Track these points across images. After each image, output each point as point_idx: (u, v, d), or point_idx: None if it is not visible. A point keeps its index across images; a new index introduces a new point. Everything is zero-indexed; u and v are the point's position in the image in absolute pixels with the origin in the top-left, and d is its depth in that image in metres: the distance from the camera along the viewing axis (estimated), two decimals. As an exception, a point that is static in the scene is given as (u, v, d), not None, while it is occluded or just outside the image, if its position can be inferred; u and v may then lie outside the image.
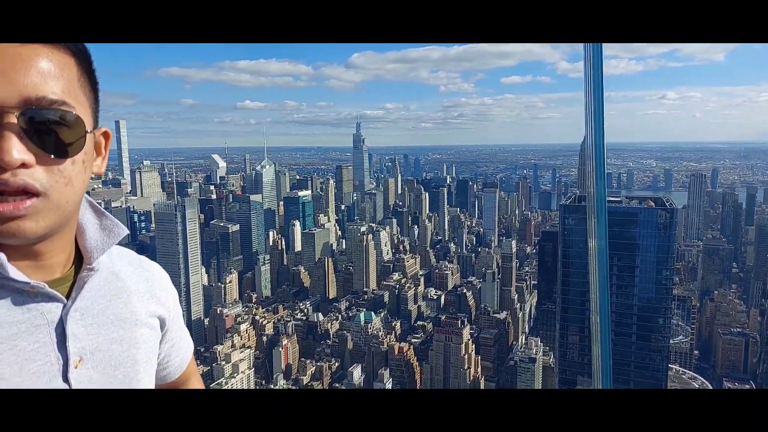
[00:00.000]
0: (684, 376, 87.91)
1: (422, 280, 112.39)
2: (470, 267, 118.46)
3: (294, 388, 78.72)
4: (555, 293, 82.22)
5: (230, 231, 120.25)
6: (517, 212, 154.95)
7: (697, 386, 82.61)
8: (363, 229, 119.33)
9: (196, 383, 1.44)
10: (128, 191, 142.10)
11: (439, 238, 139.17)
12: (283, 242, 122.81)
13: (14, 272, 0.84)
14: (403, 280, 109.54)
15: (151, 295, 1.11)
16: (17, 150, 0.77)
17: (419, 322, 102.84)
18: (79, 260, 0.99)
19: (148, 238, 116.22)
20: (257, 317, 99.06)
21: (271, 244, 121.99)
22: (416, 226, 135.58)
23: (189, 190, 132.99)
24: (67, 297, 0.93)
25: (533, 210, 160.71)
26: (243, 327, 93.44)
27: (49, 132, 0.80)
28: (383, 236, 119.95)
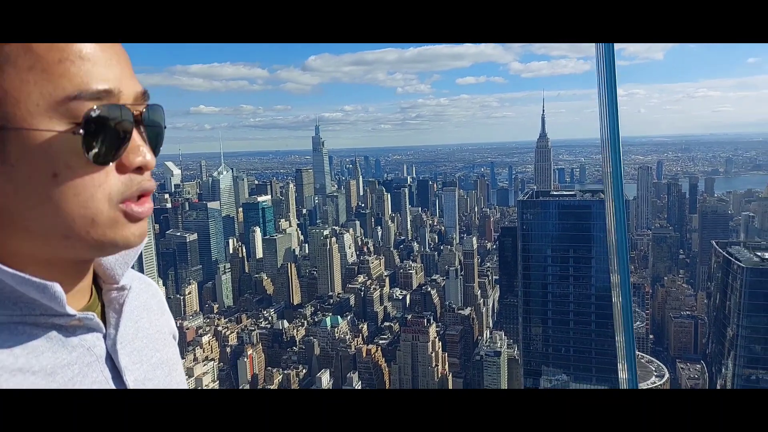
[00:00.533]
0: (642, 360, 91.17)
1: (387, 280, 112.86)
2: (434, 265, 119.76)
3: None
4: (516, 287, 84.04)
5: (188, 240, 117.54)
6: (476, 210, 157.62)
7: (653, 369, 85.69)
8: (326, 232, 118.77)
9: None
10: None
11: (403, 238, 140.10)
12: (244, 249, 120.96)
13: (70, 307, 0.73)
14: (368, 282, 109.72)
15: (162, 311, 1.05)
16: (149, 151, 0.73)
17: (386, 323, 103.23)
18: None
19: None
20: (219, 328, 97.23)
21: (231, 252, 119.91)
22: (379, 227, 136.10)
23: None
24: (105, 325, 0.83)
25: (492, 207, 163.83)
26: (205, 339, 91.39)
27: (159, 133, 0.77)
28: (347, 239, 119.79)
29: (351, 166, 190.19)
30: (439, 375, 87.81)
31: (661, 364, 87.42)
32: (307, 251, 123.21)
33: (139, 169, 0.71)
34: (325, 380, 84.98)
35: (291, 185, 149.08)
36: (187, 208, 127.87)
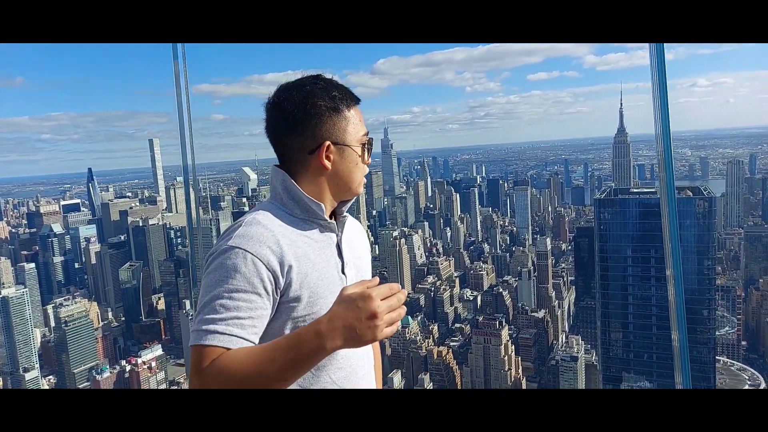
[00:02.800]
0: (733, 368, 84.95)
1: (457, 281, 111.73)
2: (505, 266, 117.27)
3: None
4: (593, 289, 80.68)
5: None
6: (549, 209, 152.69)
7: (746, 377, 79.64)
8: (395, 233, 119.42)
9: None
10: (164, 208, 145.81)
11: (473, 239, 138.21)
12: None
13: (326, 217, 1.46)
14: (438, 283, 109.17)
15: (363, 238, 1.68)
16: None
17: (457, 325, 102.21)
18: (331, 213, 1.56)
19: (185, 254, 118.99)
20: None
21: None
22: (448, 228, 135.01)
23: (222, 203, 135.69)
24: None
25: (566, 206, 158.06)
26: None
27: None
28: (416, 240, 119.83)
29: (419, 167, 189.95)
30: (513, 379, 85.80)
31: (756, 373, 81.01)
32: (377, 252, 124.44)
33: (367, 165, 1.52)
34: (397, 381, 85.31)
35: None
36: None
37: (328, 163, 1.45)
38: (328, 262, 1.45)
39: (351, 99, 1.46)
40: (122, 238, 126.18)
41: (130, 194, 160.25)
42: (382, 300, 1.14)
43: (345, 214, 1.58)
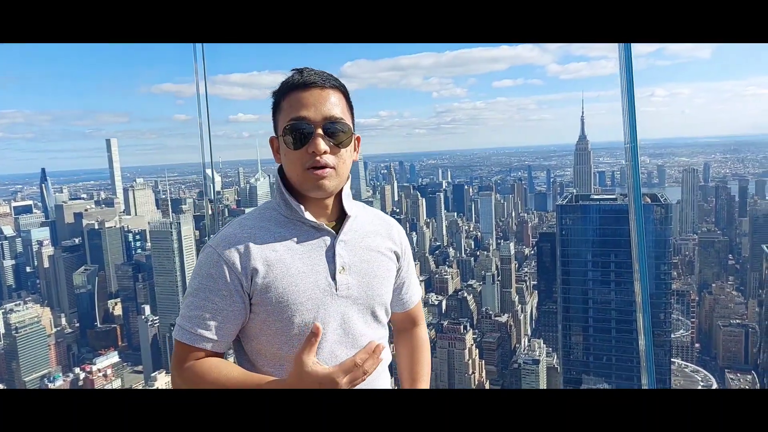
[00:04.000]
0: (687, 370, 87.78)
1: (423, 285, 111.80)
2: (470, 271, 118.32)
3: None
4: (555, 293, 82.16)
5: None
6: (513, 214, 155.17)
7: (699, 379, 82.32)
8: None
9: (422, 328, 1.80)
10: (121, 210, 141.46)
11: (438, 243, 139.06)
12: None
13: (308, 215, 1.40)
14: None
15: (387, 237, 1.55)
16: (322, 144, 1.34)
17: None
18: (342, 213, 1.48)
19: (143, 258, 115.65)
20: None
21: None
22: (414, 233, 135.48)
23: (183, 206, 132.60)
24: (336, 233, 1.44)
25: (530, 211, 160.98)
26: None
27: (336, 134, 1.37)
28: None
29: (386, 171, 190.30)
30: (476, 382, 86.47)
31: (709, 374, 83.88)
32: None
33: (313, 153, 1.34)
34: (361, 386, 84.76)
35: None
36: (227, 215, 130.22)
37: (278, 157, 1.44)
38: (313, 267, 1.38)
39: (289, 87, 1.39)
40: (77, 241, 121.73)
41: (85, 196, 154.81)
42: (346, 376, 1.19)
43: (352, 213, 1.48)
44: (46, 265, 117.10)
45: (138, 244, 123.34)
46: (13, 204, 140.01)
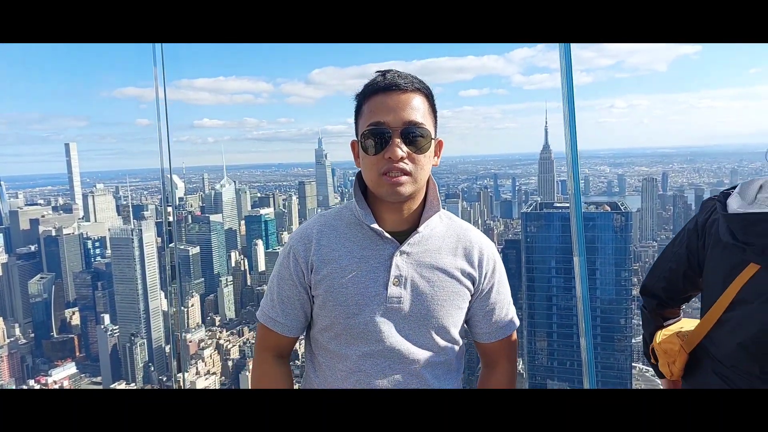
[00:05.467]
0: (647, 374, 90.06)
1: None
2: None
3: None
4: (520, 299, 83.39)
5: (191, 253, 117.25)
6: (480, 222, 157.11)
7: (659, 382, 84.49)
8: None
9: (504, 369, 1.59)
10: (80, 217, 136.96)
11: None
12: (246, 262, 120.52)
13: (371, 221, 1.39)
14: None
15: (464, 257, 1.46)
16: (401, 149, 1.31)
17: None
18: (419, 223, 1.44)
19: (103, 265, 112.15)
20: (222, 341, 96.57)
21: (233, 264, 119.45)
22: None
23: (145, 212, 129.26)
24: (401, 243, 1.40)
25: (495, 219, 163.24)
26: (207, 352, 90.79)
27: (415, 140, 1.33)
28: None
29: (353, 178, 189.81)
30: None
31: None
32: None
33: (389, 159, 1.32)
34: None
35: (294, 198, 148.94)
36: (190, 221, 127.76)
37: (358, 161, 1.43)
38: (367, 273, 1.38)
39: (371, 90, 1.37)
40: (33, 248, 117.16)
41: (42, 201, 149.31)
42: None
43: (424, 226, 1.43)
44: (0, 273, 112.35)
45: (98, 251, 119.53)
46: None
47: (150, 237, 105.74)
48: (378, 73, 1.39)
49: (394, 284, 1.37)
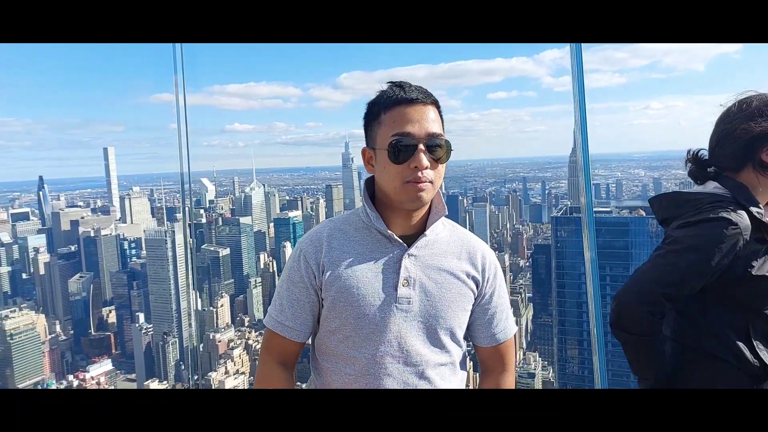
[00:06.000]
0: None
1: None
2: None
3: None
4: (551, 306, 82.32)
5: (221, 255, 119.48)
6: (508, 226, 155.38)
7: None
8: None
9: (502, 373, 1.75)
10: (117, 218, 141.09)
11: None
12: (274, 264, 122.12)
13: (380, 224, 1.45)
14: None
15: (468, 261, 1.52)
16: (425, 160, 1.37)
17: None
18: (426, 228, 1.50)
19: (138, 265, 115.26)
20: (250, 341, 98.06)
21: (262, 266, 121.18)
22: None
23: (178, 215, 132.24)
24: (409, 246, 1.45)
25: (525, 223, 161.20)
26: (236, 352, 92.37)
27: (436, 150, 1.40)
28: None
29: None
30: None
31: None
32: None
33: (415, 168, 1.38)
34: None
35: (321, 201, 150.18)
36: (221, 224, 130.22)
37: (370, 168, 1.48)
38: (377, 275, 1.43)
39: (392, 101, 1.42)
40: (73, 248, 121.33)
41: (82, 203, 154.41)
42: None
43: (430, 231, 1.49)
44: (42, 272, 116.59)
45: (133, 252, 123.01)
46: (11, 211, 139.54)
47: (182, 238, 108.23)
48: (392, 84, 1.45)
49: (403, 285, 1.42)
